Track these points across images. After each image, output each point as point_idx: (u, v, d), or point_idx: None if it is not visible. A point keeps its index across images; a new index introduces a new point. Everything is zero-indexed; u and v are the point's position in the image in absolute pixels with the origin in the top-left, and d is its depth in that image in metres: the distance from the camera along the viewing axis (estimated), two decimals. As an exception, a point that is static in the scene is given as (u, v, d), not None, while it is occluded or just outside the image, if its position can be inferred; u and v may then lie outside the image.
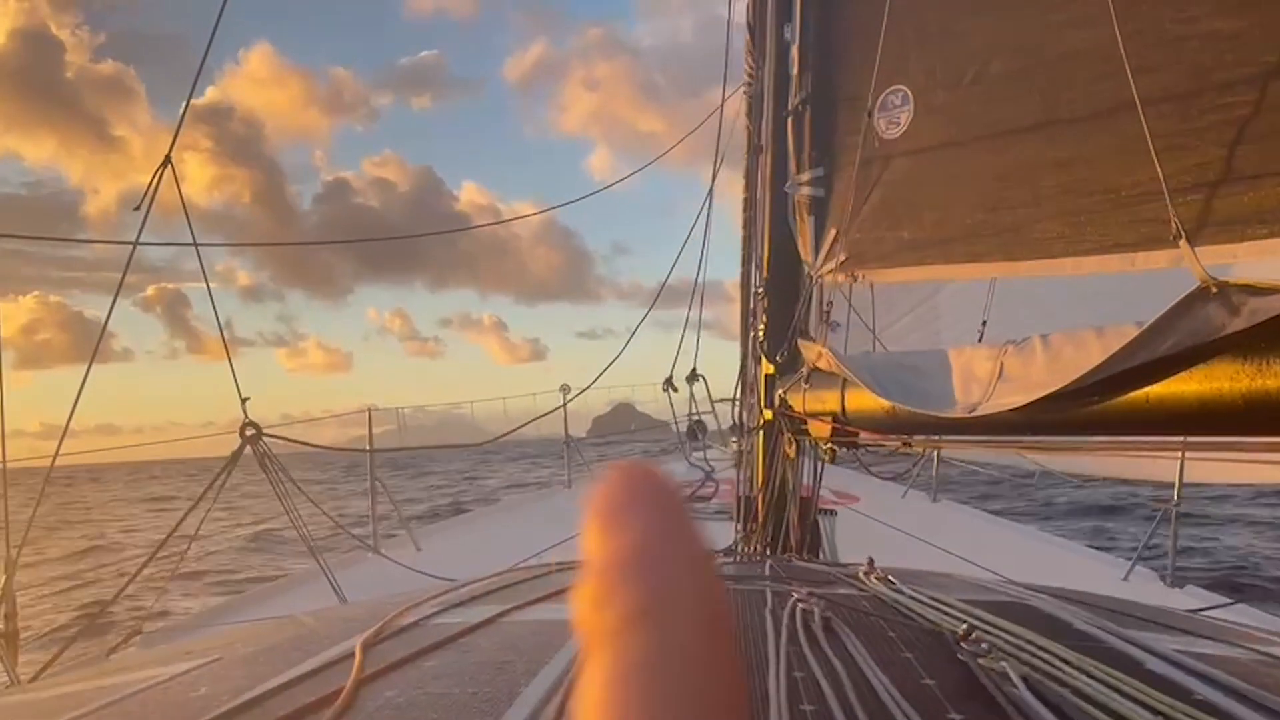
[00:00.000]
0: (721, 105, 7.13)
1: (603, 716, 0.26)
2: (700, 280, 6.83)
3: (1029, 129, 3.10)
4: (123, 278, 3.28)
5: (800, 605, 1.63)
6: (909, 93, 3.36)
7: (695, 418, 8.84)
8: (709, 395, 9.13)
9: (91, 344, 3.26)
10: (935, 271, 3.40)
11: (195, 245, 3.30)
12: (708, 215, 6.75)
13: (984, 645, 1.39)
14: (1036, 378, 2.17)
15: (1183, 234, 1.87)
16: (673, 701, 0.26)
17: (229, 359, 3.30)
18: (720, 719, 0.27)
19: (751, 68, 6.66)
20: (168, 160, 3.16)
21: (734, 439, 9.68)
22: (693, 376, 8.79)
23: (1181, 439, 2.27)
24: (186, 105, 3.33)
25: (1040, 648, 1.37)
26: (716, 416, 9.19)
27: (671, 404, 8.36)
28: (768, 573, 2.28)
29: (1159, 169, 1.97)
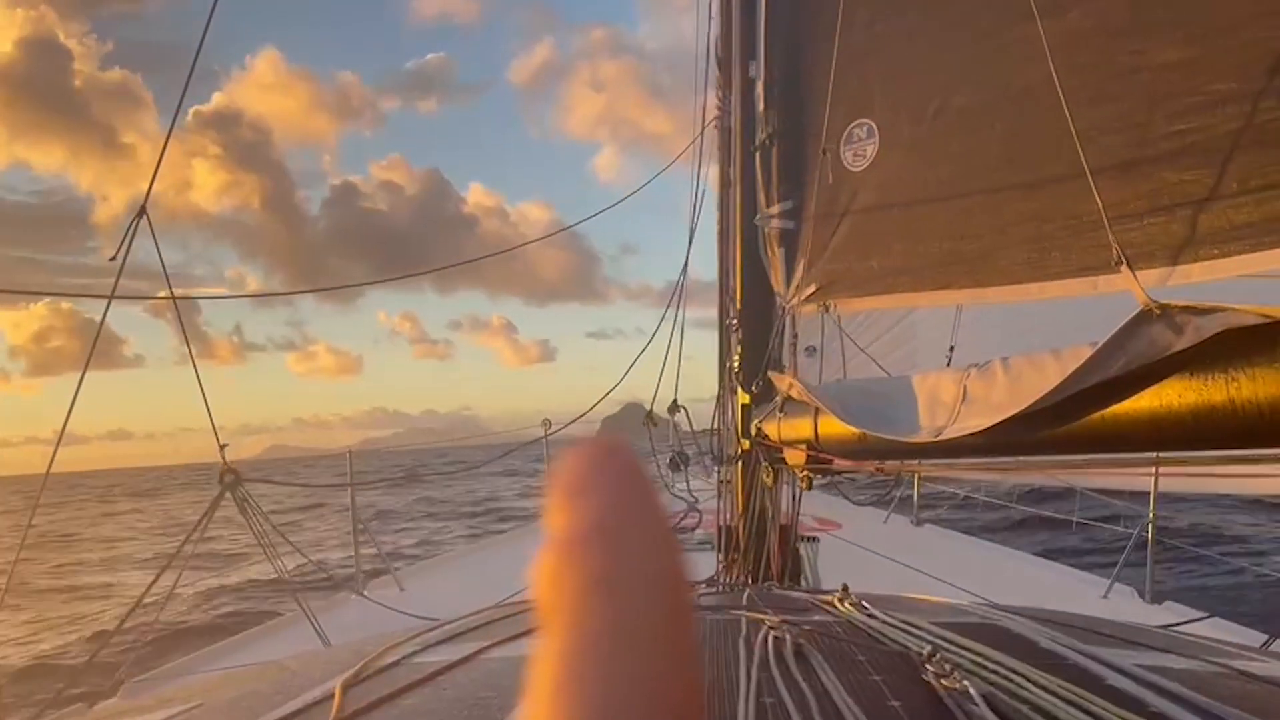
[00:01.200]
0: (701, 138, 7.23)
1: (558, 687, 0.26)
2: (681, 316, 6.87)
3: (992, 160, 3.18)
4: (99, 329, 3.29)
5: (773, 633, 1.67)
6: (874, 126, 3.44)
7: (677, 449, 8.88)
8: (691, 426, 9.18)
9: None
10: (905, 299, 3.46)
11: (172, 298, 3.30)
12: (691, 233, 6.82)
13: (947, 666, 1.42)
14: (998, 400, 2.22)
15: (1124, 259, 1.94)
16: (629, 672, 0.26)
17: (209, 412, 3.31)
18: (676, 692, 0.26)
19: (721, 101, 6.78)
20: (143, 212, 3.17)
21: (716, 468, 9.72)
22: (674, 408, 8.85)
23: (1154, 455, 2.32)
24: (164, 150, 3.34)
25: (1003, 666, 1.40)
26: (699, 446, 9.25)
27: (651, 439, 8.38)
28: (745, 602, 2.31)
29: (1097, 197, 2.05)
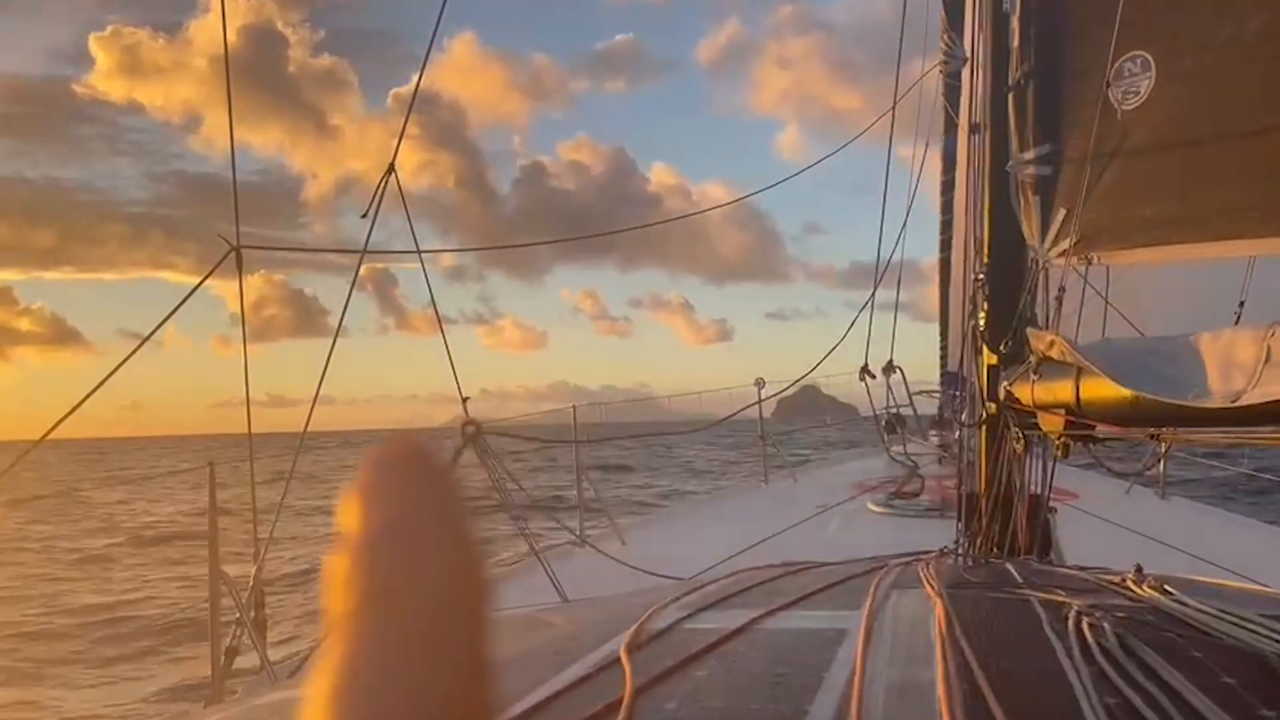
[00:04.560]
0: (922, 79, 6.87)
1: (332, 699, 0.25)
2: (894, 259, 6.56)
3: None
4: (352, 286, 3.44)
5: (1086, 619, 1.49)
6: (1150, 59, 3.10)
7: (894, 410, 8.57)
8: (906, 387, 8.84)
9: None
10: (1184, 251, 3.12)
11: (419, 252, 3.41)
12: (911, 197, 6.51)
13: None
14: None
15: None
16: (404, 685, 0.25)
17: (454, 370, 3.41)
18: (459, 706, 0.25)
19: (948, 44, 6.36)
20: (392, 168, 3.27)
21: (934, 432, 9.33)
22: (889, 368, 8.52)
23: None
24: (408, 115, 3.40)
25: None
26: (915, 409, 8.89)
27: (869, 393, 8.10)
28: (1020, 578, 2.13)
29: None
